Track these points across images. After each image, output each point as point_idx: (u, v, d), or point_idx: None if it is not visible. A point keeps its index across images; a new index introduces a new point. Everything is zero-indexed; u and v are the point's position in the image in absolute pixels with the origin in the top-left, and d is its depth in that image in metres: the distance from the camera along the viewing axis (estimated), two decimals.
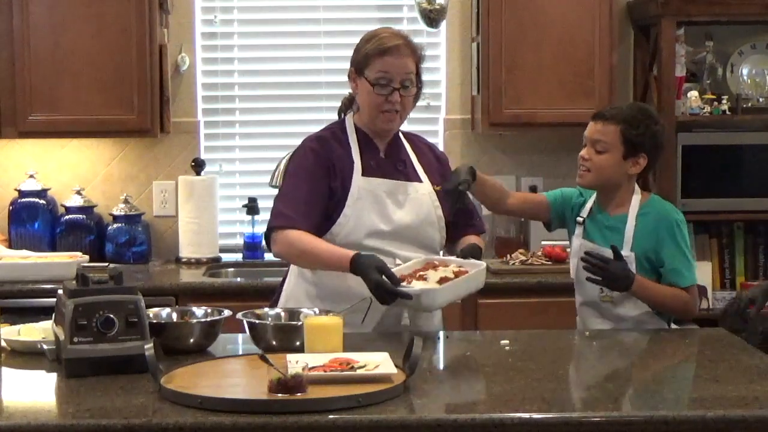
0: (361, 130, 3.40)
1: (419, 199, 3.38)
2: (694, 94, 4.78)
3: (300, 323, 2.93)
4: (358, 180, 3.33)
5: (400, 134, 3.48)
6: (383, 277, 3.06)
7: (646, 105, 3.70)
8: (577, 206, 3.50)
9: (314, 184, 3.31)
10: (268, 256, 4.93)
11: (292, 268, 3.45)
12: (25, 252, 4.64)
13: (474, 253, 3.32)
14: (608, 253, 3.28)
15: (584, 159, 3.38)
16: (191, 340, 2.97)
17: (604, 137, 3.35)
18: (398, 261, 3.28)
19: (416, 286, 3.10)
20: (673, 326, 3.38)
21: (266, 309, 3.16)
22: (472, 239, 3.46)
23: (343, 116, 3.49)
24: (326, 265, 3.25)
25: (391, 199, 3.35)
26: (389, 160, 3.41)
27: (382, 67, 3.30)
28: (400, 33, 3.40)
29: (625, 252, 3.30)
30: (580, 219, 3.45)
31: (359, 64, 3.36)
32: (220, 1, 5.11)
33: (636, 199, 3.38)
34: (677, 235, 3.33)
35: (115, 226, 4.88)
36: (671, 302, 3.32)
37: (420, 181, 3.42)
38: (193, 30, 5.07)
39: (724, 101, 4.80)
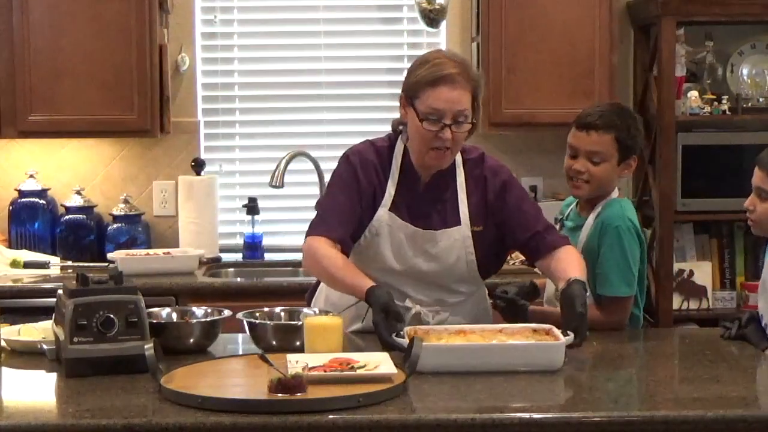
0: (408, 156, 3.20)
1: (449, 247, 3.17)
2: (694, 94, 4.78)
3: (300, 323, 2.93)
4: (382, 214, 3.17)
5: (459, 160, 3.22)
6: (384, 319, 2.87)
7: (620, 103, 3.65)
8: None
9: (353, 197, 3.15)
10: (268, 256, 4.94)
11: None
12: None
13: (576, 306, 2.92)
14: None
15: (580, 172, 3.32)
16: (191, 340, 2.97)
17: (602, 148, 3.30)
18: (408, 302, 3.17)
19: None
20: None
21: (269, 308, 3.16)
22: (570, 270, 3.06)
23: (399, 130, 3.24)
24: (343, 290, 3.11)
25: (410, 244, 3.17)
26: (427, 197, 3.19)
27: (433, 101, 3.04)
28: (457, 58, 3.11)
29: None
30: (560, 218, 3.48)
31: (409, 92, 3.10)
32: (220, 1, 5.11)
33: (605, 200, 3.36)
34: (614, 241, 3.26)
35: (115, 226, 4.88)
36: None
37: (457, 224, 3.18)
38: (193, 30, 5.06)
39: (724, 101, 4.79)
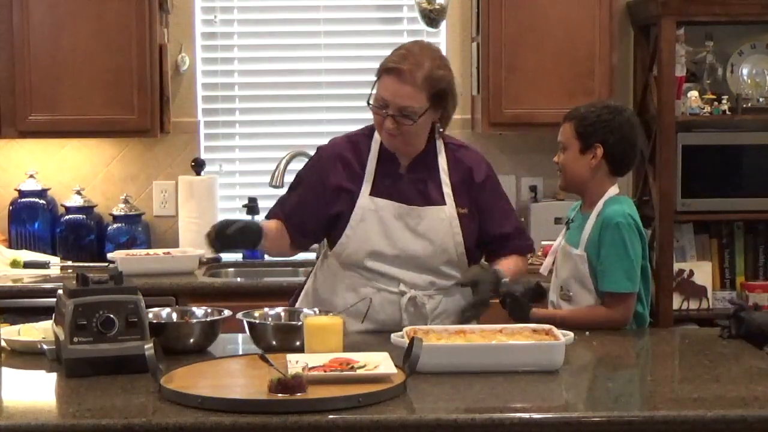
0: None
1: (435, 225, 3.19)
2: (694, 94, 4.78)
3: (300, 323, 2.93)
4: (363, 200, 3.20)
5: (440, 145, 3.27)
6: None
7: (613, 102, 3.68)
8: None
9: (307, 194, 3.26)
10: (268, 256, 4.93)
11: (313, 276, 3.41)
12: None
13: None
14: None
15: (556, 163, 3.47)
16: (191, 340, 2.97)
17: (562, 136, 3.44)
18: (402, 286, 3.20)
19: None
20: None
21: (269, 308, 3.16)
22: (509, 263, 3.26)
23: None
24: None
25: (397, 223, 3.19)
26: (409, 179, 3.22)
27: (380, 89, 3.13)
28: (419, 56, 3.10)
29: (579, 251, 3.31)
30: (567, 220, 3.50)
31: (377, 73, 3.19)
32: (220, 1, 5.11)
33: (604, 198, 3.38)
34: (615, 237, 3.28)
35: (115, 226, 4.88)
36: (590, 321, 3.25)
37: (442, 203, 3.21)
38: (193, 30, 5.06)
39: (724, 101, 4.79)
